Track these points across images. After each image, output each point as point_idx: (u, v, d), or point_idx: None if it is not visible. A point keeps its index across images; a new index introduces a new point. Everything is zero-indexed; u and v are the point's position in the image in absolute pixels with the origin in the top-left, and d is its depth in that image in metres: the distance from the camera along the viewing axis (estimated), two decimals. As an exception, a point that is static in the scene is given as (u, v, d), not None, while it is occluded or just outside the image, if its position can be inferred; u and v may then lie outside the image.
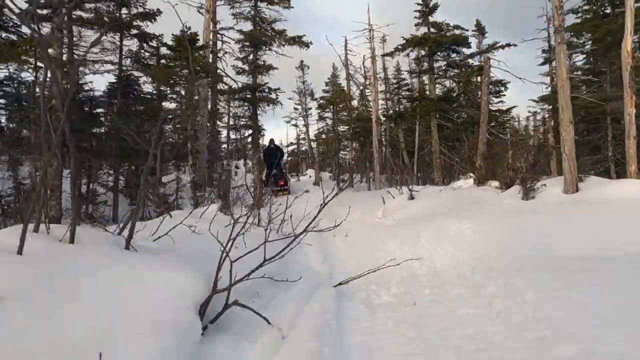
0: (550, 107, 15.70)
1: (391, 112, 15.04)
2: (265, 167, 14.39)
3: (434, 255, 4.64)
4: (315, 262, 4.98)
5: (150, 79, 8.25)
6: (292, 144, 33.37)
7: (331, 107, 19.35)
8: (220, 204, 5.82)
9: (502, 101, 16.60)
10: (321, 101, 18.95)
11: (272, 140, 15.41)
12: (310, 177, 22.66)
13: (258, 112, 12.72)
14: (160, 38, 8.57)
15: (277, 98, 12.02)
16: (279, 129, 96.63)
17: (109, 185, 8.56)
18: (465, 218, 5.07)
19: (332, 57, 36.46)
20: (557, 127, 15.76)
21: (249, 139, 14.31)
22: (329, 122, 28.57)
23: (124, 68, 8.89)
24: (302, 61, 29.93)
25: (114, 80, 8.61)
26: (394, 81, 20.62)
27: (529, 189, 5.29)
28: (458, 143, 14.81)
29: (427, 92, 14.84)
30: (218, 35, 13.63)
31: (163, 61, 8.48)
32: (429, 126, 14.72)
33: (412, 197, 8.51)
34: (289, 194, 14.19)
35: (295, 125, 30.37)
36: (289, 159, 35.30)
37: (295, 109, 30.00)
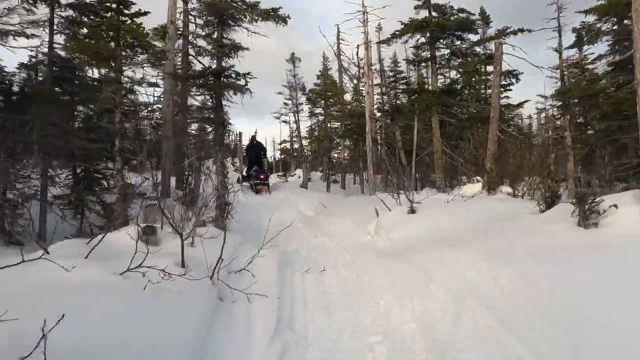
0: (562, 103, 14.05)
1: (387, 106, 13.33)
2: (247, 162, 14.26)
3: (460, 333, 2.74)
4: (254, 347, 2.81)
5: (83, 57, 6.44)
6: (284, 141, 31.60)
7: (322, 101, 17.56)
8: (140, 229, 4.04)
9: (507, 96, 14.92)
10: (310, 95, 17.13)
11: (253, 137, 14.98)
12: (299, 177, 20.95)
13: (223, 102, 10.93)
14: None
15: (246, 85, 10.23)
16: (269, 125, 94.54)
17: (31, 193, 6.76)
18: (498, 257, 3.31)
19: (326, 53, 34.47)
20: (574, 125, 14.19)
21: (210, 136, 12.45)
22: (321, 118, 26.88)
23: (56, 45, 7.08)
24: (292, 53, 28.18)
25: (41, 59, 6.83)
26: (391, 74, 18.90)
27: (589, 211, 3.55)
28: (462, 142, 13.14)
29: (428, 85, 13.11)
30: (190, 17, 11.84)
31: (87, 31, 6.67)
32: (429, 123, 13.05)
33: (412, 211, 6.81)
34: (269, 190, 13.76)
35: (285, 122, 28.60)
36: (282, 156, 33.66)
37: (286, 104, 28.27)
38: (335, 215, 9.71)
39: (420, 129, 16.28)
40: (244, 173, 15.37)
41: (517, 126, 21.49)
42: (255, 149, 14.28)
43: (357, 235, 7.42)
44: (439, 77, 13.19)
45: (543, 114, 22.04)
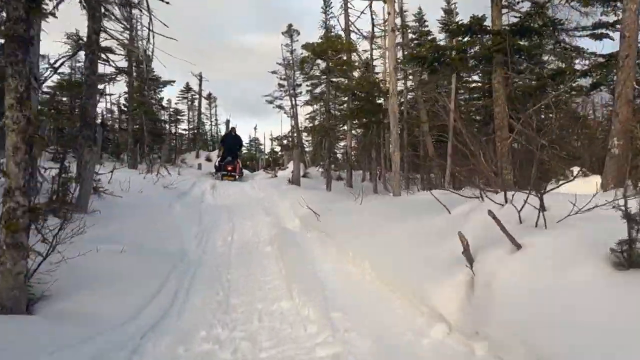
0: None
1: (423, 50, 8.60)
2: (222, 152, 14.08)
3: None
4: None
5: None
6: (286, 136, 27.00)
7: (321, 63, 12.88)
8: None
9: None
10: (307, 56, 12.47)
11: (233, 128, 14.93)
12: (293, 172, 16.38)
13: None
14: None
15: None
16: (271, 125, 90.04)
17: None
18: None
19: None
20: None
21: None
22: (322, 102, 22.33)
23: None
24: (290, 25, 23.62)
25: None
26: (413, 35, 14.22)
27: None
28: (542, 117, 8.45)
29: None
30: None
31: None
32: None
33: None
34: (235, 179, 13.36)
35: (280, 108, 23.96)
36: (280, 153, 29.09)
37: (281, 85, 23.69)
38: (340, 235, 5.03)
39: (455, 101, 11.74)
40: (217, 163, 14.76)
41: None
42: (232, 140, 13.98)
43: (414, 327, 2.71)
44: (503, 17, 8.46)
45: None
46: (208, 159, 26.54)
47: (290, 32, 23.47)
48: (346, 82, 12.29)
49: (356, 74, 14.38)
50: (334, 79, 12.48)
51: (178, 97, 28.83)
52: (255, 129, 55.69)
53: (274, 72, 23.11)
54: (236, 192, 11.95)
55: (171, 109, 23.96)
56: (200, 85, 26.00)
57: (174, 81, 20.81)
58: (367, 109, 13.07)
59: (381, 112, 13.80)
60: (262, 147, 57.02)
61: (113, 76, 15.05)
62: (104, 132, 20.07)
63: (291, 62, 23.03)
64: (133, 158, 15.70)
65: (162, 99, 22.90)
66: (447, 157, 10.74)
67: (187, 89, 28.93)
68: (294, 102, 22.26)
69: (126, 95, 22.57)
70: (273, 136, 32.37)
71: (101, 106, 22.54)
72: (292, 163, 17.17)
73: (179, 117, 24.38)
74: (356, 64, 12.83)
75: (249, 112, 67.08)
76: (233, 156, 13.69)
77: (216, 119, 30.85)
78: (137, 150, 15.57)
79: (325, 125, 12.45)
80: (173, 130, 24.55)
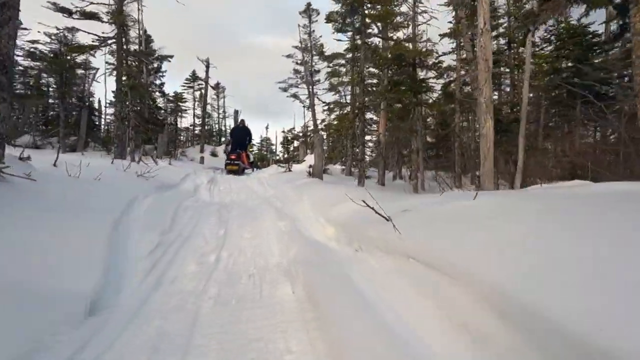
0: None
1: None
2: (230, 145, 13.15)
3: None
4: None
5: None
6: (306, 133, 24.21)
7: (356, 17, 10.01)
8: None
9: None
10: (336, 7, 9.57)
11: (242, 121, 13.63)
12: (310, 166, 13.61)
13: None
14: None
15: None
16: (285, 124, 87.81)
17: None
18: None
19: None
20: None
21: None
22: (346, 91, 19.54)
23: None
24: (309, 4, 20.90)
25: None
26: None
27: None
28: None
29: None
30: None
31: None
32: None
33: None
34: (239, 171, 12.00)
35: (295, 97, 21.18)
36: (295, 144, 26.33)
37: (297, 72, 20.94)
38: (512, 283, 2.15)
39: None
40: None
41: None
42: (241, 132, 13.05)
43: None
44: None
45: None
46: (213, 154, 23.91)
47: (308, 11, 20.75)
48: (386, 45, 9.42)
49: (401, 35, 11.42)
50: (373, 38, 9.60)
51: (183, 86, 26.39)
52: (267, 128, 53.30)
53: (288, 56, 20.42)
54: (240, 188, 9.20)
55: (171, 95, 21.31)
56: (207, 72, 23.41)
57: (171, 56, 18.22)
58: (408, 85, 10.22)
59: (425, 90, 10.93)
60: (273, 147, 54.64)
61: (97, 45, 12.44)
62: (92, 115, 17.63)
63: (309, 45, 20.34)
64: (120, 147, 13.11)
65: (162, 84, 20.32)
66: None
67: (193, 77, 26.40)
68: (311, 90, 19.49)
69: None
70: (286, 130, 29.73)
71: (100, 93, 20.06)
72: (310, 155, 14.41)
73: (179, 103, 21.71)
74: (400, 20, 9.97)
75: (260, 112, 65.25)
76: (240, 148, 12.50)
77: (224, 111, 28.19)
78: (124, 138, 12.96)
79: (359, 102, 9.58)
80: (174, 121, 21.89)
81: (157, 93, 20.18)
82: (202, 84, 24.96)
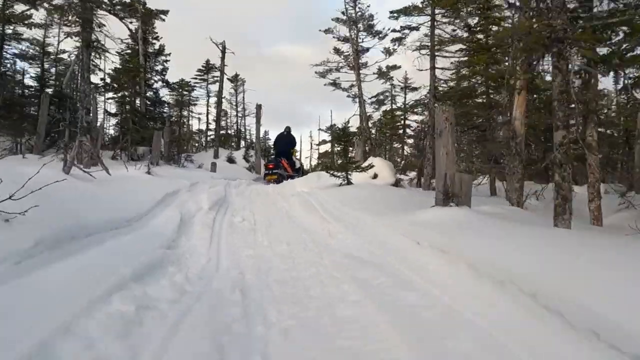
0: None
1: None
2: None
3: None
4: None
5: None
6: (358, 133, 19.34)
7: None
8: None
9: None
10: None
11: (287, 128, 12.18)
12: (376, 175, 8.69)
13: None
14: None
15: None
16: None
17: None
18: None
19: None
20: None
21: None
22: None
23: None
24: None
25: None
26: None
27: None
28: None
29: None
30: None
31: None
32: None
33: None
34: (278, 180, 10.44)
35: (334, 85, 16.23)
36: (352, 140, 21.50)
37: (338, 51, 16.06)
38: None
39: None
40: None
41: None
42: (284, 140, 11.81)
43: None
44: None
45: None
46: (230, 160, 19.30)
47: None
48: None
49: None
50: None
51: (195, 78, 21.90)
52: (288, 127, 48.80)
53: (327, 31, 15.56)
54: (272, 221, 4.45)
55: (174, 83, 16.78)
56: (222, 58, 18.87)
57: (167, 11, 13.69)
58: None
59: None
60: (297, 154, 50.20)
61: None
62: (64, 105, 13.01)
63: (354, 15, 15.53)
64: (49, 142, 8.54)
65: (165, 70, 15.79)
66: None
67: (207, 67, 21.85)
68: (357, 74, 14.59)
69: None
70: (324, 126, 24.67)
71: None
72: (378, 159, 9.43)
73: (185, 92, 17.12)
74: None
75: (279, 120, 62.37)
76: (286, 157, 11.59)
77: (243, 108, 23.41)
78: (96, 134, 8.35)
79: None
80: (179, 116, 17.26)
81: (158, 82, 15.69)
82: (217, 76, 20.49)
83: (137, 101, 14.36)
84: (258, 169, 17.03)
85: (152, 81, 15.00)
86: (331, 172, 7.98)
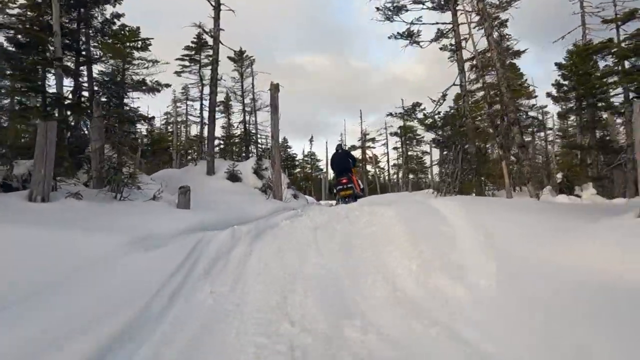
0: None
1: None
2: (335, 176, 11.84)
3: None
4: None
5: None
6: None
7: None
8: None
9: None
10: None
11: (339, 145, 11.57)
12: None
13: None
14: None
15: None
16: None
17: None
18: None
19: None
20: None
21: None
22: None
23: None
24: None
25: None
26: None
27: None
28: None
29: None
30: None
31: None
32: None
33: None
34: (352, 195, 10.28)
35: (408, 35, 9.36)
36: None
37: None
38: None
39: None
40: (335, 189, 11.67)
41: None
42: (342, 158, 10.98)
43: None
44: None
45: None
46: (233, 176, 12.59)
47: None
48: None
49: None
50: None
51: (182, 59, 15.17)
52: (310, 141, 41.82)
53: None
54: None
55: (147, 61, 10.14)
56: (216, 19, 12.20)
57: None
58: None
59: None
60: (320, 164, 42.81)
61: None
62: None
63: None
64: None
65: (119, 16, 9.13)
66: None
67: (199, 43, 15.15)
68: (455, 11, 7.71)
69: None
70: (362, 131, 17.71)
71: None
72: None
73: (134, 46, 10.18)
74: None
75: (301, 132, 59.74)
76: (346, 174, 10.59)
77: (253, 99, 16.35)
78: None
79: None
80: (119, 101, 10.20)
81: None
82: (212, 54, 13.83)
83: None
84: (277, 191, 10.22)
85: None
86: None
